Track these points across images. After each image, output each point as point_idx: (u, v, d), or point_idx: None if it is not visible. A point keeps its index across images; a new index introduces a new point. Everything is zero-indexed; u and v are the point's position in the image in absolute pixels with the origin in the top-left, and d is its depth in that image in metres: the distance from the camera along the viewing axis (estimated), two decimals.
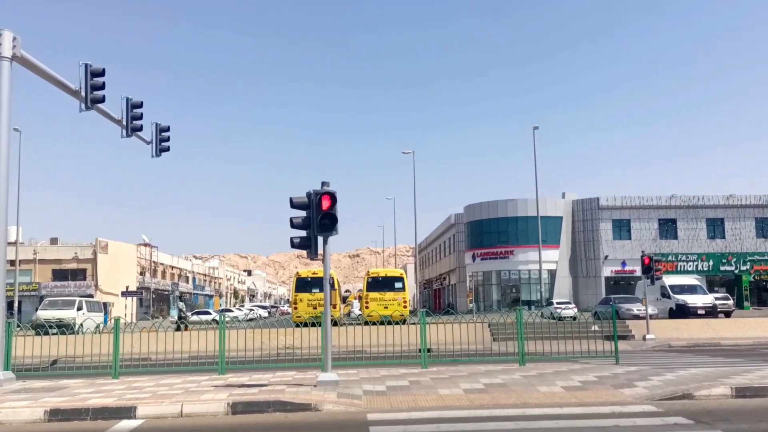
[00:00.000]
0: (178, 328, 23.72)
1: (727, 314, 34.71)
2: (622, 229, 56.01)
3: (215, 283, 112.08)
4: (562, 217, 56.86)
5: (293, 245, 12.56)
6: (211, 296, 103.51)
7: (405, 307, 31.30)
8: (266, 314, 68.50)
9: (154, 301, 76.58)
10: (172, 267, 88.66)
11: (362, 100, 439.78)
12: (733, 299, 45.03)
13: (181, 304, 37.16)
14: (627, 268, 54.20)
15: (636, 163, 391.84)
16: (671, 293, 34.61)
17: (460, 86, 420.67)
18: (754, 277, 54.86)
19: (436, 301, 78.12)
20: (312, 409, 10.23)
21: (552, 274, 55.68)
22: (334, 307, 29.88)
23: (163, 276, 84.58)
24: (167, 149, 19.29)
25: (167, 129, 19.21)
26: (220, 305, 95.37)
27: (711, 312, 33.17)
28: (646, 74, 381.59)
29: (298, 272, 33.34)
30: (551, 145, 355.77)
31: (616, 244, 55.42)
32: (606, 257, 55.17)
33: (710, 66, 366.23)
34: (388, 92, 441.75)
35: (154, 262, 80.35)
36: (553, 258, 55.33)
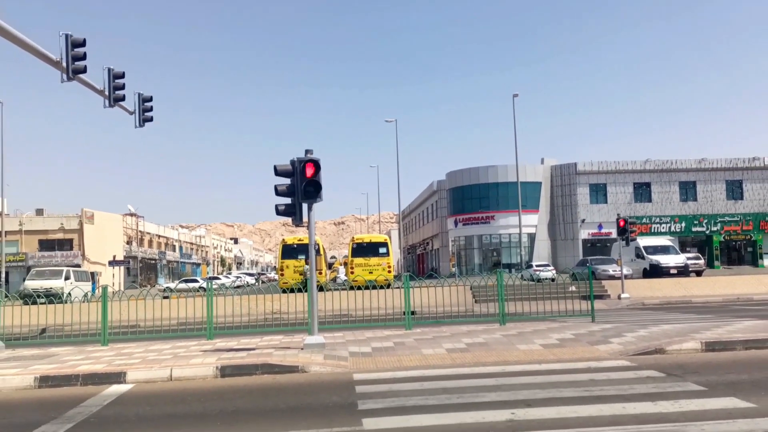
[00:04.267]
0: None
1: (699, 273, 35.29)
2: (599, 193, 56.36)
3: (202, 251, 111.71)
4: (541, 183, 57.05)
5: (278, 212, 12.52)
6: (198, 264, 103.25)
7: (389, 271, 31.43)
8: (253, 281, 68.51)
9: (141, 270, 76.27)
10: (159, 236, 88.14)
11: (347, 73, 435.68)
12: (704, 259, 45.74)
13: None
14: (603, 230, 54.65)
15: (612, 130, 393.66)
16: (645, 254, 35.03)
17: (443, 58, 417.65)
18: (724, 238, 55.62)
19: (420, 265, 78.52)
20: (299, 370, 10.31)
21: (531, 237, 56.08)
22: (320, 272, 29.97)
23: (150, 245, 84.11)
24: (150, 119, 18.98)
25: (150, 99, 18.87)
26: (208, 273, 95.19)
27: (683, 271, 33.66)
28: (623, 47, 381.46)
29: (284, 239, 33.33)
30: (531, 113, 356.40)
31: (593, 208, 55.82)
32: (583, 221, 55.60)
33: (685, 38, 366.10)
34: (372, 65, 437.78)
35: (140, 231, 79.80)
36: (533, 222, 55.69)
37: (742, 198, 56.03)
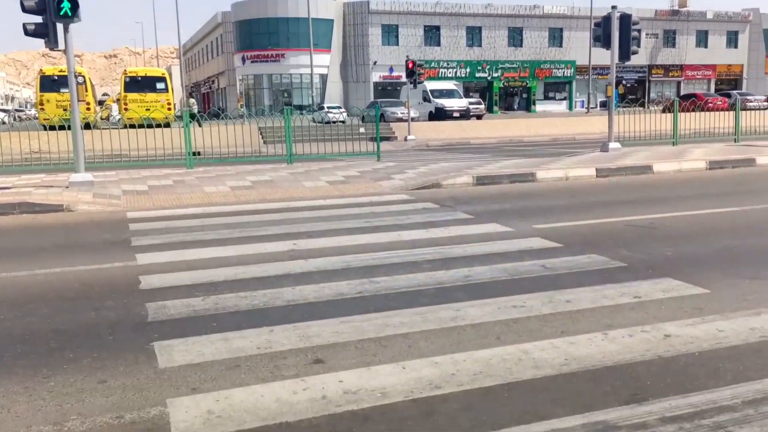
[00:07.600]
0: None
1: (479, 117, 38.14)
2: (391, 34, 57.16)
3: None
4: (333, 20, 56.30)
5: (27, 33, 11.08)
6: None
7: (169, 109, 29.87)
8: (8, 118, 61.36)
9: None
10: None
11: None
12: (485, 104, 49.37)
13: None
14: (394, 73, 56.10)
15: None
16: (431, 97, 36.84)
17: None
18: (503, 84, 60.19)
19: (206, 105, 75.56)
20: (64, 209, 9.69)
21: (323, 78, 56.07)
22: (88, 107, 27.59)
23: None
24: None
25: None
26: None
27: (465, 115, 36.12)
28: None
29: (41, 69, 29.98)
30: None
31: (385, 50, 56.73)
32: (375, 63, 56.48)
33: None
34: None
35: None
36: (325, 62, 55.42)
37: (521, 45, 60.28)
